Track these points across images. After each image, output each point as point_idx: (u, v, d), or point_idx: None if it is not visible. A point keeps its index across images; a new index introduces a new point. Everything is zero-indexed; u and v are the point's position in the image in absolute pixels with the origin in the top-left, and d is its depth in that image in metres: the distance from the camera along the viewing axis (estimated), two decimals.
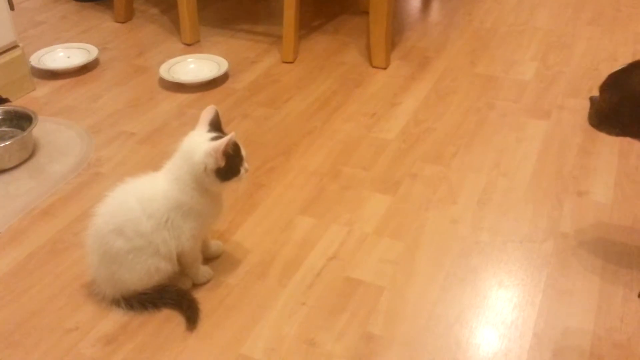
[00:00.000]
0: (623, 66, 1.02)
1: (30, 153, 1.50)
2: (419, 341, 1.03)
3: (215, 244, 1.20)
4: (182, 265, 1.11)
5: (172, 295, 1.09)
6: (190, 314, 1.07)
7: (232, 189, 1.11)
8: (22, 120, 1.53)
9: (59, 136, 1.59)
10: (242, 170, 1.05)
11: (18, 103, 1.72)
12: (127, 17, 2.24)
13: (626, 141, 1.48)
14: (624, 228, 1.26)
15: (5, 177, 1.43)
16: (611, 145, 1.50)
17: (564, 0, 2.36)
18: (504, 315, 1.08)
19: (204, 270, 1.15)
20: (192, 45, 2.06)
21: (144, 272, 1.06)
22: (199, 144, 1.02)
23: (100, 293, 1.10)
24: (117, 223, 1.03)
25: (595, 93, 1.06)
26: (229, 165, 1.02)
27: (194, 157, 1.01)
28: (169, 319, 1.08)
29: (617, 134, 1.05)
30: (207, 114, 1.06)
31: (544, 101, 1.72)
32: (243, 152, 1.05)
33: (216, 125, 1.06)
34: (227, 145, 1.00)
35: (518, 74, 1.86)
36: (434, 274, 1.17)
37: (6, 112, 1.56)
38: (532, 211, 1.31)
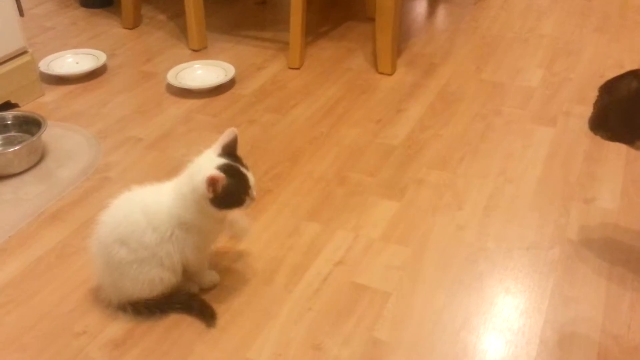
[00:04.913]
0: (621, 73, 1.06)
1: (39, 158, 1.51)
2: (425, 347, 1.03)
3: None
4: (189, 272, 1.11)
5: (181, 299, 1.10)
6: (206, 312, 1.08)
7: (235, 214, 1.11)
8: (31, 125, 1.54)
9: (68, 141, 1.60)
10: (248, 200, 1.03)
11: (27, 108, 1.74)
12: (135, 23, 2.26)
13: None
14: (631, 234, 1.26)
15: (15, 181, 1.45)
16: (617, 152, 1.50)
17: (571, 7, 2.36)
18: (511, 321, 1.08)
19: (211, 276, 1.15)
20: (199, 51, 2.07)
21: (146, 283, 1.05)
22: (202, 169, 1.00)
23: (107, 298, 1.11)
24: (121, 233, 1.03)
25: None
26: (227, 197, 0.99)
27: (194, 181, 1.00)
28: (176, 324, 1.08)
29: (609, 138, 1.08)
30: (224, 136, 1.04)
31: (550, 108, 1.72)
32: (251, 181, 1.03)
33: (231, 149, 1.04)
34: (213, 180, 0.97)
35: (524, 81, 1.86)
36: (440, 280, 1.17)
37: (15, 117, 1.58)
38: (539, 218, 1.31)
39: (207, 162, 1.02)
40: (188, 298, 1.10)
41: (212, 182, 0.97)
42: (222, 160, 1.01)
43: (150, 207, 1.04)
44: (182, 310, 1.09)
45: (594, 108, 1.09)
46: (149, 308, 1.08)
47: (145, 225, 1.03)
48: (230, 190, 0.99)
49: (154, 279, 1.05)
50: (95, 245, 1.07)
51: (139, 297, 1.07)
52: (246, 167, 1.04)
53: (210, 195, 0.98)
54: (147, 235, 1.02)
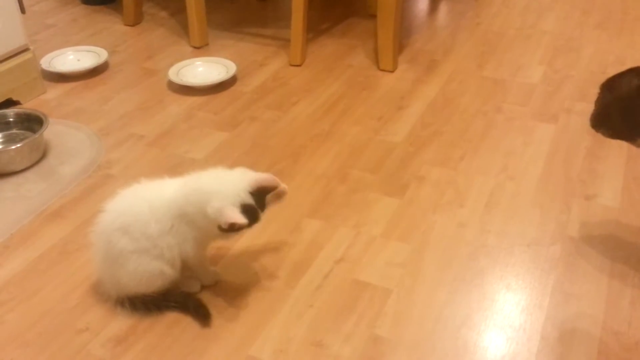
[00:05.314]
0: (623, 71, 1.06)
1: (41, 155, 1.51)
2: (426, 344, 1.04)
3: (210, 274, 1.16)
4: (190, 268, 1.12)
5: (177, 298, 1.09)
6: (201, 311, 1.08)
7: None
8: (33, 122, 1.55)
9: (70, 138, 1.60)
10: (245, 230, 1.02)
11: (29, 105, 1.74)
12: (136, 20, 2.26)
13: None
14: (632, 231, 1.26)
15: (17, 178, 1.45)
16: (619, 149, 1.50)
17: (572, 4, 2.36)
18: (512, 318, 1.09)
19: (212, 272, 1.15)
20: (200, 48, 2.07)
21: (145, 276, 1.05)
22: (225, 197, 0.98)
23: (106, 293, 1.11)
24: (124, 222, 1.03)
25: None
26: (233, 231, 1.00)
27: (212, 205, 0.98)
28: (178, 320, 1.09)
29: (611, 136, 1.08)
30: (267, 180, 1.02)
31: (551, 105, 1.72)
32: (259, 220, 1.02)
33: (263, 193, 1.02)
34: (234, 225, 0.97)
35: (525, 78, 1.86)
36: (441, 277, 1.17)
37: (17, 115, 1.58)
38: (540, 215, 1.32)
39: (234, 191, 0.99)
40: (184, 297, 1.10)
41: (232, 225, 0.97)
42: (249, 200, 0.99)
43: (154, 198, 1.04)
44: (177, 309, 1.09)
45: (595, 105, 1.09)
46: (145, 304, 1.08)
47: (149, 216, 1.03)
48: (241, 229, 0.99)
49: (153, 272, 1.05)
50: (96, 234, 1.07)
51: (136, 291, 1.07)
52: (265, 207, 1.03)
53: (224, 228, 0.98)
54: (150, 226, 1.02)
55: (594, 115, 1.09)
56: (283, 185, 1.05)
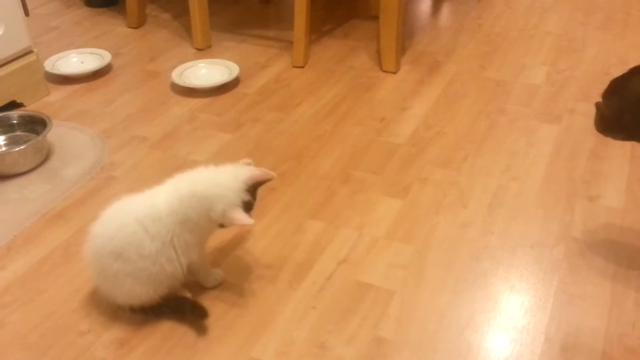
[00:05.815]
0: (624, 72, 1.04)
1: (44, 157, 1.52)
2: (430, 345, 1.04)
3: (214, 275, 1.17)
4: (192, 272, 1.11)
5: (171, 304, 1.08)
6: (197, 312, 1.07)
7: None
8: (36, 124, 1.55)
9: (73, 140, 1.60)
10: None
11: (32, 108, 1.75)
12: (139, 22, 2.26)
13: (638, 145, 1.47)
14: (636, 233, 1.26)
15: (20, 180, 1.45)
16: (622, 150, 1.50)
17: (575, 4, 2.36)
18: (515, 319, 1.08)
19: (215, 274, 1.15)
20: (203, 50, 2.08)
21: (142, 293, 1.03)
22: (228, 199, 1.01)
23: (104, 300, 1.10)
24: (116, 246, 1.00)
25: None
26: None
27: (213, 207, 1.00)
28: (181, 322, 1.09)
29: (623, 139, 1.07)
30: (260, 174, 1.05)
31: (554, 105, 1.71)
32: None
33: (257, 186, 1.05)
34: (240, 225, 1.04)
35: (528, 78, 1.85)
36: (444, 278, 1.17)
37: (21, 117, 1.58)
38: (543, 216, 1.31)
39: (236, 192, 1.02)
40: (178, 302, 1.09)
41: (232, 221, 1.02)
42: (248, 197, 1.03)
43: (145, 216, 1.01)
44: (174, 315, 1.08)
45: (600, 110, 1.06)
46: (144, 311, 1.08)
47: (143, 235, 1.00)
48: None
49: (149, 290, 1.04)
50: (88, 257, 1.06)
51: (132, 304, 1.07)
52: (256, 196, 1.06)
53: (227, 225, 1.04)
54: (147, 245, 1.00)
55: (603, 121, 1.06)
56: (272, 174, 1.07)
